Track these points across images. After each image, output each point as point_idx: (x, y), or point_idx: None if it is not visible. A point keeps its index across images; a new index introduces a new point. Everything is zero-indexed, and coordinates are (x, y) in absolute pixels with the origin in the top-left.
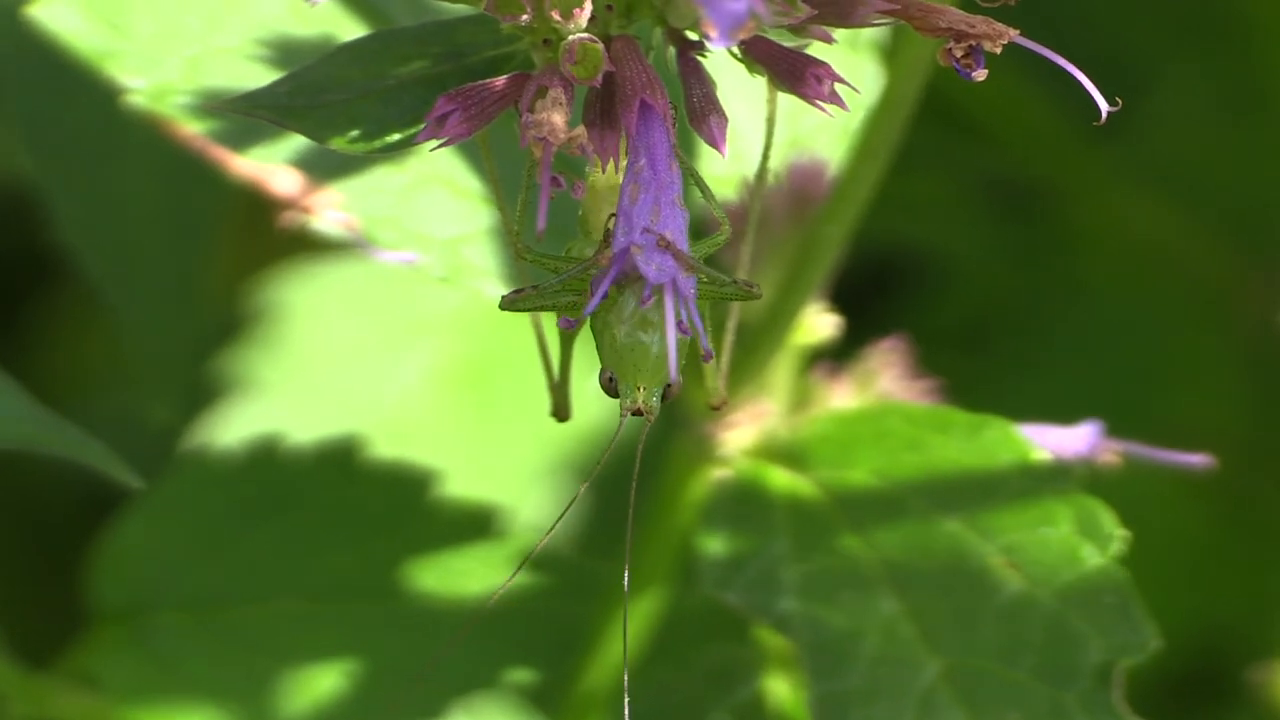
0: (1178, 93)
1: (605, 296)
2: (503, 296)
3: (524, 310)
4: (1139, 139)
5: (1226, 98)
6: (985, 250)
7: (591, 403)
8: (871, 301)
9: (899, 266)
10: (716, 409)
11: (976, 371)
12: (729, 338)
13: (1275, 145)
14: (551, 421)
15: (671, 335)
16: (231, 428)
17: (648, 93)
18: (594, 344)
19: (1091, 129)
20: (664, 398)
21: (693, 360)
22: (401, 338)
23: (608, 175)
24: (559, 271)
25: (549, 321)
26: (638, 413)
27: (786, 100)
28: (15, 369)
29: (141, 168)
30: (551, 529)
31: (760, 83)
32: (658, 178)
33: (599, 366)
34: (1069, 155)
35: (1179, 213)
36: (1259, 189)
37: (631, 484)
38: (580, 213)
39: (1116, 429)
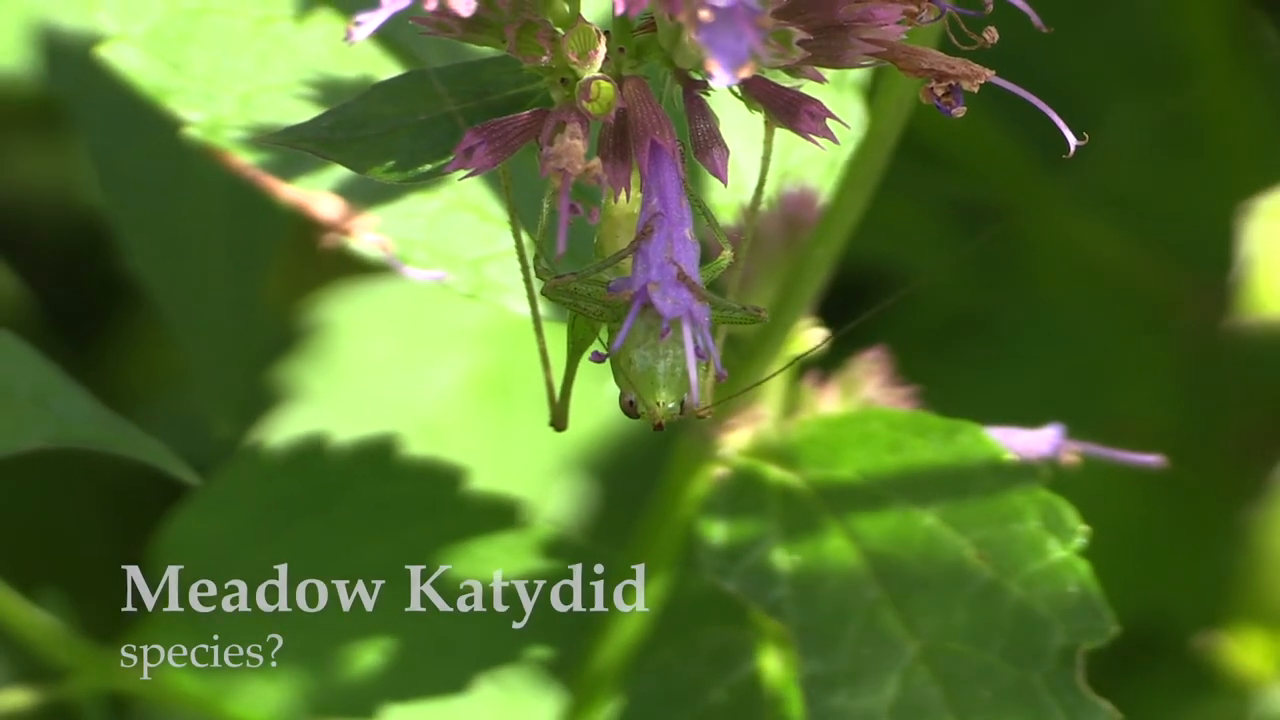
0: (1124, 128)
1: (629, 330)
2: (546, 282)
3: (563, 298)
4: (1090, 169)
5: (1167, 133)
6: (952, 267)
7: (603, 407)
8: (853, 314)
9: (877, 281)
10: (702, 417)
11: (945, 376)
12: (710, 372)
13: (1208, 175)
14: (572, 423)
15: (691, 362)
16: (283, 431)
17: (658, 133)
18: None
19: (1048, 159)
20: (680, 412)
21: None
22: (435, 349)
23: (622, 204)
24: (575, 291)
25: (553, 340)
26: (659, 427)
27: (779, 136)
28: (98, 380)
29: (204, 199)
30: None
31: (756, 120)
32: (669, 215)
33: (611, 381)
34: (1028, 183)
35: (1124, 234)
36: (1194, 213)
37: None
38: (596, 240)
39: (1068, 426)
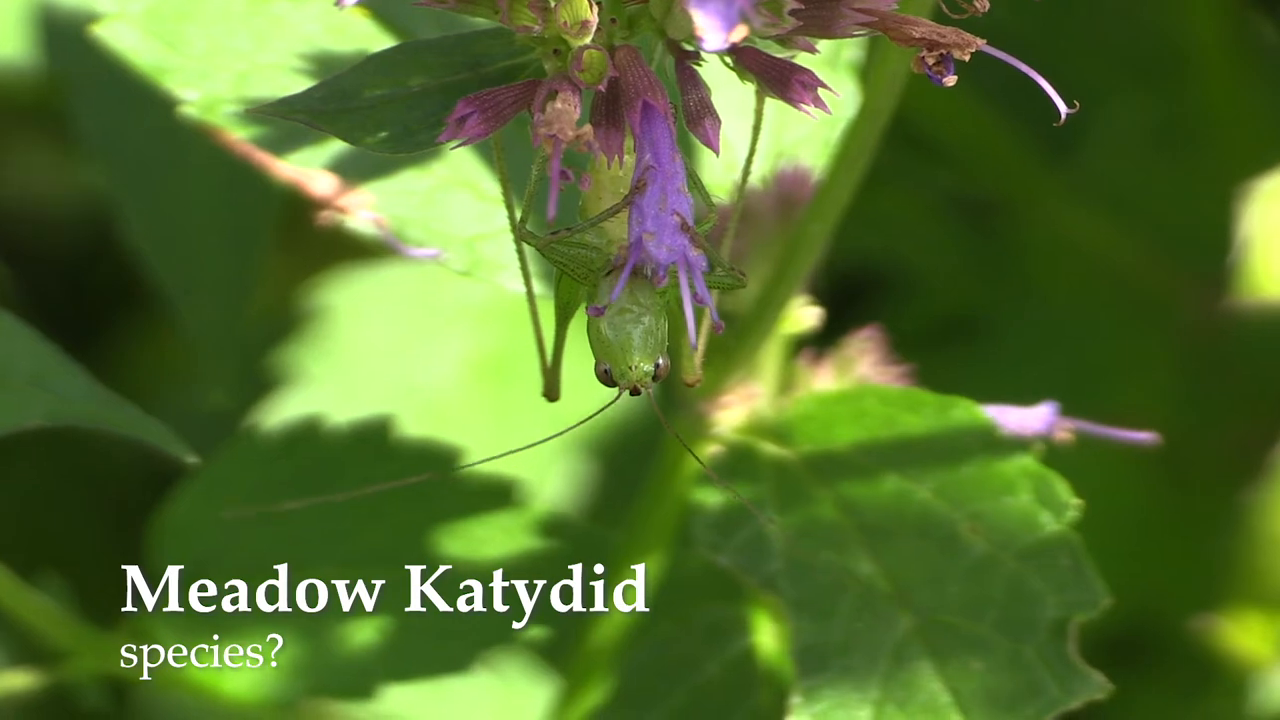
0: (1120, 122)
1: (624, 285)
2: (538, 239)
3: (556, 254)
4: (1087, 163)
5: (1163, 127)
6: (948, 260)
7: (602, 388)
8: (849, 307)
9: (873, 275)
10: (691, 385)
11: (939, 367)
12: (706, 323)
13: (1204, 169)
14: (570, 403)
15: (689, 306)
16: (282, 414)
17: (649, 94)
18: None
19: (1043, 152)
20: (655, 377)
21: (681, 342)
22: (433, 332)
23: (612, 168)
24: (561, 252)
25: (545, 312)
26: (635, 391)
27: (773, 115)
28: (104, 364)
29: (204, 178)
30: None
31: (750, 101)
32: (663, 169)
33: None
34: (1024, 175)
35: (1120, 227)
36: (1190, 206)
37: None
38: (581, 202)
39: (1066, 415)
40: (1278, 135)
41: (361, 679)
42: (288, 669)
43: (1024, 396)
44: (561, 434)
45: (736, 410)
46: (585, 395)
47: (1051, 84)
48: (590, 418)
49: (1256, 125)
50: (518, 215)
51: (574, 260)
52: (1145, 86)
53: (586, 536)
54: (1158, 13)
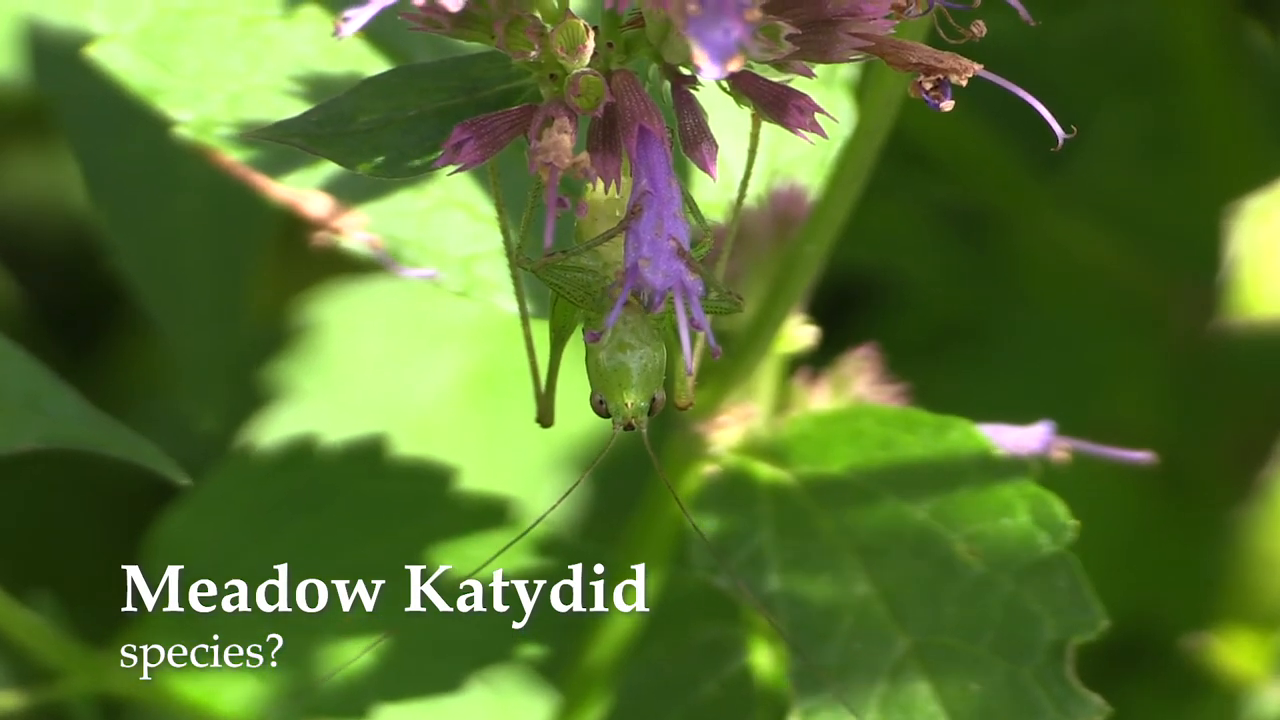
0: (1110, 133)
1: (620, 310)
2: (534, 262)
3: (550, 277)
4: (1077, 172)
5: (1153, 138)
6: (943, 271)
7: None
8: (844, 318)
9: (868, 286)
10: (683, 409)
11: (935, 378)
12: (700, 346)
13: (1197, 179)
14: (563, 424)
15: (685, 332)
16: (273, 431)
17: (646, 119)
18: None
19: (1035, 163)
20: (650, 411)
21: (675, 365)
22: (425, 348)
23: (608, 193)
24: (558, 275)
25: (538, 335)
26: (629, 427)
27: (769, 133)
28: (94, 384)
29: (190, 199)
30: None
31: (745, 118)
32: (659, 194)
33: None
34: (1015, 186)
35: (1112, 237)
36: (1181, 216)
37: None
38: (575, 225)
39: (1060, 427)
40: (1270, 142)
41: (356, 699)
42: (281, 686)
43: (1018, 406)
44: (577, 483)
45: (732, 430)
46: (578, 416)
47: (1043, 93)
48: (597, 460)
49: (1248, 132)
50: (514, 239)
51: (571, 283)
52: (1137, 94)
53: (581, 555)
54: (1149, 20)
